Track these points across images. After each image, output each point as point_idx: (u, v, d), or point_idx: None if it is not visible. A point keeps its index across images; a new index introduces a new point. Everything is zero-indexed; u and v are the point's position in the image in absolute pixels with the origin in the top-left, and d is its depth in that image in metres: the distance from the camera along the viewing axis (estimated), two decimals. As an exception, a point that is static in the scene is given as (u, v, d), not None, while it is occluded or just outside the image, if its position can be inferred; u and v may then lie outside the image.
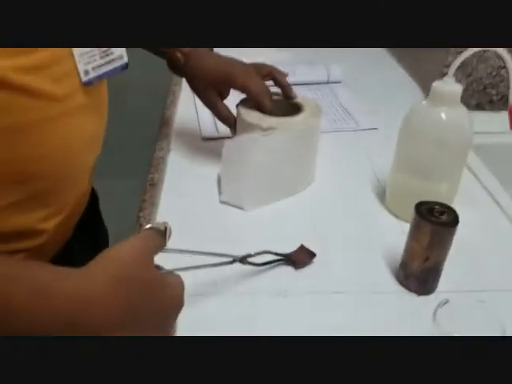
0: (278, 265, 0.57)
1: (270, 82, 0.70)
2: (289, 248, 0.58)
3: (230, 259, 0.52)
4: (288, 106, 0.69)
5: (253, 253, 0.54)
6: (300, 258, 0.57)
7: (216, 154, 0.77)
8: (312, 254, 0.58)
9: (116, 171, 1.20)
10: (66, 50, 0.44)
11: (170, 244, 0.42)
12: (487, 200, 0.69)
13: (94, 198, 0.69)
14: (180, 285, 0.39)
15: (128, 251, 0.36)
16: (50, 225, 0.51)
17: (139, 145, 0.99)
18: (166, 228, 0.41)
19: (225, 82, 0.68)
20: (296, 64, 1.03)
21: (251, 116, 0.65)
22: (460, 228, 0.50)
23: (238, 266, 0.56)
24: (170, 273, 0.40)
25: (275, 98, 0.69)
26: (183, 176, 0.73)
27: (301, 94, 0.72)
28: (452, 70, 0.55)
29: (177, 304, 0.39)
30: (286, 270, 0.57)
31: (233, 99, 0.71)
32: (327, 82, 1.02)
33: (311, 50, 1.12)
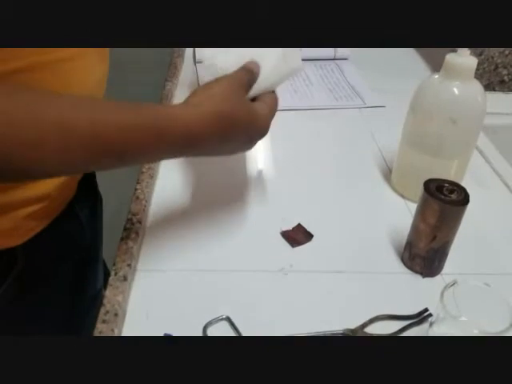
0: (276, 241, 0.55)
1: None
2: (288, 225, 0.57)
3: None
4: None
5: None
6: (296, 237, 0.55)
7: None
8: (309, 235, 0.56)
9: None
10: None
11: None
12: (496, 182, 0.67)
13: None
14: (269, 114, 0.47)
15: (221, 89, 0.44)
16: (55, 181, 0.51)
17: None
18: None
19: None
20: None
21: None
22: (468, 209, 0.47)
23: (237, 240, 0.54)
24: (263, 102, 0.47)
25: None
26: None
27: None
28: (464, 47, 0.52)
29: (263, 133, 0.47)
30: (286, 247, 0.55)
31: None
32: (334, 59, 0.99)
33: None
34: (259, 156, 0.71)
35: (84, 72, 0.47)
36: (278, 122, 0.77)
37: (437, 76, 0.55)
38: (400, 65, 0.98)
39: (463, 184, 0.51)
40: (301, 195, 0.63)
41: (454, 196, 0.47)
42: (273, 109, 0.48)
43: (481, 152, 0.72)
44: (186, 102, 0.44)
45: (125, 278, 0.48)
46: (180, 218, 0.58)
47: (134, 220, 0.55)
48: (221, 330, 0.45)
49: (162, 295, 0.49)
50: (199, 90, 0.45)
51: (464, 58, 0.53)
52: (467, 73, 0.53)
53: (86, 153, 0.37)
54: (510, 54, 0.86)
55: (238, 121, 0.44)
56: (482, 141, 0.73)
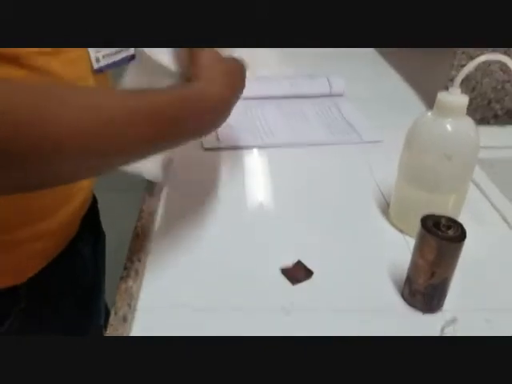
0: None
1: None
2: (287, 261, 0.57)
3: None
4: None
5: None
6: (297, 274, 0.55)
7: (217, 165, 0.76)
8: (309, 272, 0.56)
9: (115, 183, 1.21)
10: None
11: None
12: (494, 216, 0.67)
13: (93, 198, 0.69)
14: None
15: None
16: (59, 212, 0.52)
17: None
18: None
19: None
20: (297, 77, 1.02)
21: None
22: (466, 244, 0.48)
23: (237, 278, 0.54)
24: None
25: None
26: (183, 186, 0.71)
27: None
28: (457, 83, 0.54)
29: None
30: (285, 285, 0.55)
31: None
32: (329, 95, 1.00)
33: (312, 62, 1.12)
34: (257, 192, 0.71)
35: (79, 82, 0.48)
36: (275, 159, 0.79)
37: (430, 113, 0.57)
38: (395, 101, 1.00)
39: (460, 218, 0.51)
40: (299, 231, 0.63)
41: (450, 232, 0.47)
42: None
43: (477, 185, 0.72)
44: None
45: (124, 319, 0.48)
46: (180, 256, 0.58)
47: (134, 258, 0.56)
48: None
49: (161, 335, 0.48)
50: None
51: (455, 96, 0.54)
52: (459, 110, 0.54)
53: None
54: (502, 89, 0.88)
55: (236, 71, 0.52)
56: (479, 175, 0.74)
